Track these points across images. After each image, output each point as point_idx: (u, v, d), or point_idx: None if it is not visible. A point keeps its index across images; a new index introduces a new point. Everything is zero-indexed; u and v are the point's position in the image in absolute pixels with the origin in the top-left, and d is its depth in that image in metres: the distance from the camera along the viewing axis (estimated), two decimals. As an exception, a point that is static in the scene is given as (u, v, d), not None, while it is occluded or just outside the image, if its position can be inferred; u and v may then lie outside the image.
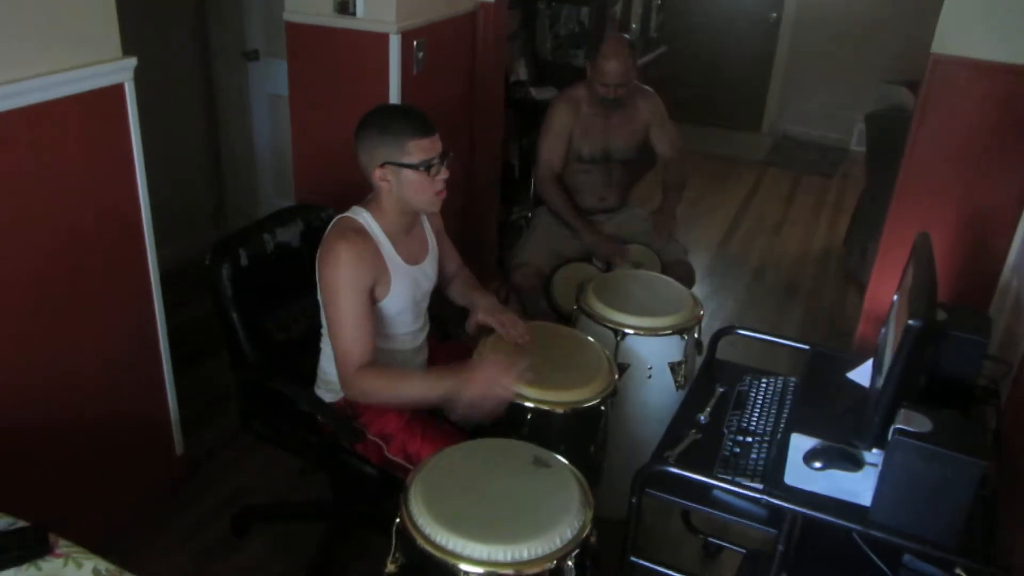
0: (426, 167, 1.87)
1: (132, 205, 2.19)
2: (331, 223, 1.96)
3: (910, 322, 1.42)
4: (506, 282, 3.06)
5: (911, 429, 1.42)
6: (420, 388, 1.88)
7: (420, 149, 1.86)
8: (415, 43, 2.74)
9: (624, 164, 3.11)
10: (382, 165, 1.87)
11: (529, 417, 1.89)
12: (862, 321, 2.91)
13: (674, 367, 2.28)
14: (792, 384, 1.97)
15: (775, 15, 6.19)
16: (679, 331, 2.27)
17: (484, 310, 2.13)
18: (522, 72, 3.91)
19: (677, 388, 2.29)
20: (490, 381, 1.81)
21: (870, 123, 3.91)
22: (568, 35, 4.49)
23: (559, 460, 1.68)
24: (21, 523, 1.42)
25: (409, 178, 1.87)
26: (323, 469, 2.15)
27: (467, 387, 1.81)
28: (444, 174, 1.92)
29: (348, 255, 1.85)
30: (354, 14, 2.64)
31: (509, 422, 1.90)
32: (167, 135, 3.63)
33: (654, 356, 2.26)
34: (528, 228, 3.19)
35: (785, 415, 1.83)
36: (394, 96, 2.72)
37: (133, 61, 2.07)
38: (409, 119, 1.88)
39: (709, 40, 6.40)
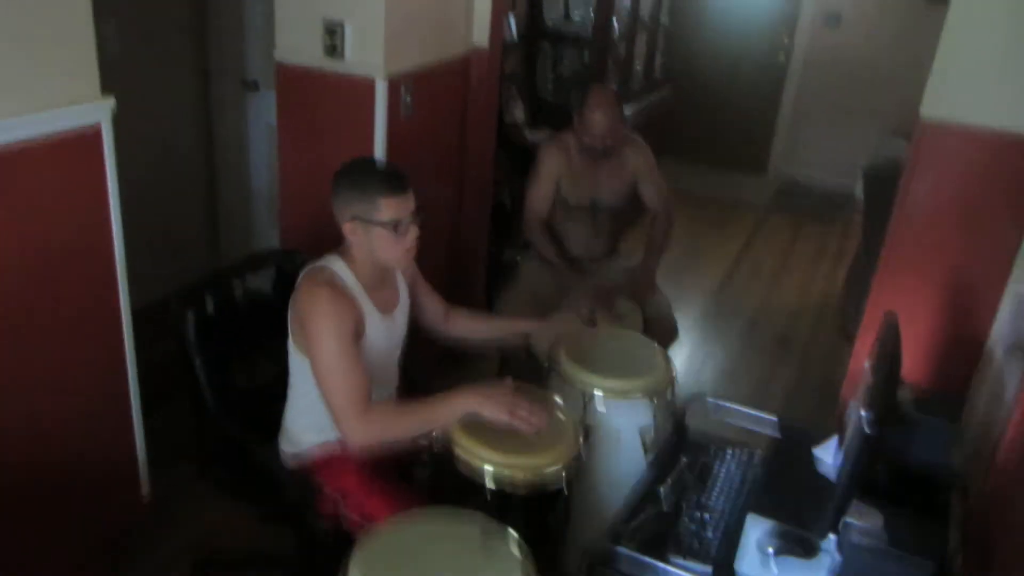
0: (395, 225, 1.85)
1: (105, 246, 2.18)
2: (303, 271, 1.94)
3: (862, 413, 1.38)
4: None
5: (861, 524, 1.38)
6: (436, 411, 1.85)
7: (390, 207, 1.85)
8: (403, 88, 2.74)
9: (612, 214, 3.09)
10: (352, 219, 1.86)
11: (490, 486, 1.84)
12: (845, 384, 2.86)
13: (643, 431, 2.24)
14: (758, 458, 1.92)
15: (783, 57, 6.18)
16: (649, 394, 2.23)
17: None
18: (518, 114, 3.90)
19: (646, 454, 2.25)
20: (505, 399, 1.85)
21: (867, 177, 3.88)
22: (571, 75, 4.49)
23: (509, 540, 1.64)
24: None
25: (378, 235, 1.86)
26: (280, 522, 2.11)
27: (482, 403, 1.84)
28: (414, 232, 1.90)
29: (329, 305, 1.83)
30: (342, 57, 2.64)
31: (463, 487, 1.86)
32: (163, 162, 3.65)
33: (623, 420, 2.22)
34: (513, 276, 3.17)
35: (745, 492, 1.79)
36: (380, 139, 2.72)
37: (111, 101, 2.07)
38: (382, 177, 1.88)
39: (714, 81, 6.39)
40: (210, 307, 2.04)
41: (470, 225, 3.45)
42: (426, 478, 2.00)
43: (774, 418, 2.03)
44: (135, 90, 3.40)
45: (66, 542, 2.28)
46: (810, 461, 1.88)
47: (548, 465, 1.88)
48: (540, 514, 1.95)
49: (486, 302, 3.75)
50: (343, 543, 1.91)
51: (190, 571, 2.39)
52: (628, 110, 4.67)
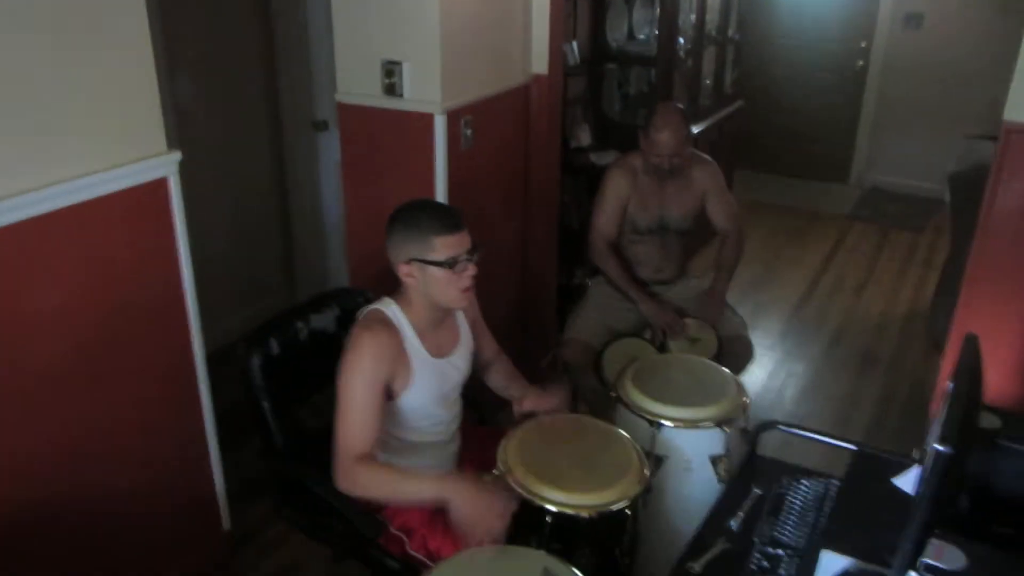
0: (451, 264, 1.85)
1: (176, 291, 2.26)
2: (359, 314, 1.97)
3: (937, 447, 1.30)
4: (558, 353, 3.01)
5: (941, 566, 1.30)
6: (412, 490, 1.83)
7: (446, 246, 1.85)
8: (462, 121, 2.76)
9: (681, 235, 3.03)
10: (408, 261, 1.87)
11: (550, 520, 1.82)
12: (935, 401, 2.71)
13: (715, 460, 2.18)
14: (835, 488, 1.84)
15: (861, 63, 5.98)
16: (720, 422, 2.16)
17: (528, 401, 2.12)
18: (584, 138, 3.88)
19: (720, 482, 2.18)
20: (479, 516, 1.77)
21: (953, 183, 3.70)
22: (637, 95, 4.45)
23: (571, 574, 1.61)
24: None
25: (435, 275, 1.87)
26: (350, 559, 2.13)
27: (458, 505, 1.78)
28: (471, 270, 1.90)
29: (368, 347, 1.85)
30: (401, 95, 2.68)
31: (527, 523, 1.84)
32: (240, 205, 3.78)
33: (693, 449, 2.16)
34: (582, 299, 3.14)
35: (820, 526, 1.71)
36: (440, 172, 2.74)
37: (177, 155, 2.15)
38: (436, 216, 1.88)
39: (791, 91, 6.24)
40: (275, 349, 2.08)
41: (538, 251, 3.44)
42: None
43: (852, 446, 1.93)
44: (209, 137, 3.55)
45: (154, 573, 2.36)
46: (890, 491, 1.78)
47: (613, 502, 1.84)
48: (606, 545, 1.90)
49: (559, 327, 3.73)
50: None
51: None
52: (699, 126, 4.60)
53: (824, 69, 6.11)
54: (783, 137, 6.33)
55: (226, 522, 2.60)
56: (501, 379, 2.26)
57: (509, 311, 3.46)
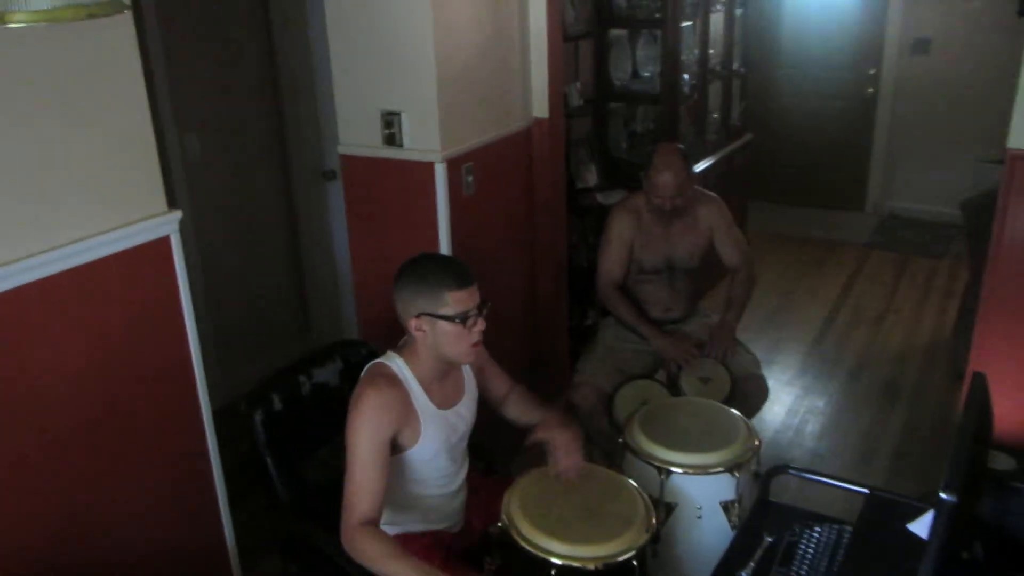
0: (463, 319, 1.84)
1: (181, 347, 2.26)
2: (365, 368, 1.96)
3: (942, 496, 1.26)
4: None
5: (952, 621, 1.25)
6: (398, 571, 1.75)
7: (457, 301, 1.85)
8: (463, 168, 2.77)
9: (689, 273, 3.00)
10: (418, 316, 1.87)
11: (555, 573, 1.78)
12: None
13: (727, 506, 2.13)
14: (847, 535, 1.78)
15: (871, 90, 5.95)
16: (731, 468, 2.12)
17: (544, 427, 2.05)
18: (591, 178, 3.88)
19: (732, 528, 2.13)
20: None
21: (966, 209, 3.65)
22: (644, 132, 4.45)
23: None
24: None
25: (445, 329, 1.86)
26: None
27: None
28: (480, 325, 1.89)
29: (372, 402, 1.84)
30: (401, 145, 2.71)
31: (539, 569, 1.81)
32: (251, 257, 3.80)
33: (703, 496, 2.12)
34: (591, 342, 3.11)
35: (833, 575, 1.66)
36: (443, 220, 2.75)
37: (178, 214, 2.17)
38: (447, 270, 1.88)
39: (802, 121, 6.21)
40: (278, 405, 2.08)
41: (547, 293, 3.43)
42: (496, 567, 1.94)
43: (864, 490, 1.88)
44: (220, 192, 3.60)
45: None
46: (905, 537, 1.73)
47: (618, 554, 1.81)
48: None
49: (571, 369, 3.69)
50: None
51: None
52: (708, 161, 4.59)
53: (834, 97, 6.09)
54: (796, 167, 6.29)
55: (237, 576, 2.58)
56: (519, 409, 2.21)
57: (520, 355, 3.44)
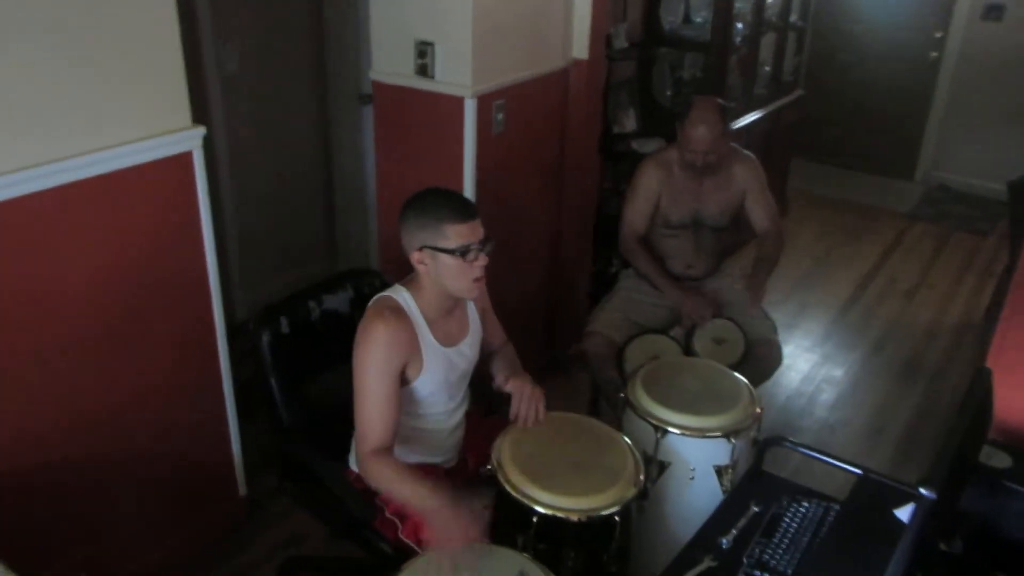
0: (463, 252, 1.84)
1: (199, 262, 2.30)
2: (372, 300, 1.97)
3: (921, 490, 1.24)
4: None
5: (915, 614, 1.25)
6: (413, 496, 1.82)
7: (458, 234, 1.84)
8: (494, 105, 2.72)
9: (716, 231, 2.95)
10: (420, 248, 1.87)
11: (536, 520, 1.81)
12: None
13: (720, 471, 2.13)
14: (834, 513, 1.78)
15: (935, 54, 5.70)
16: (729, 433, 2.11)
17: (512, 377, 2.07)
18: (628, 123, 3.80)
19: (724, 493, 2.14)
20: (450, 535, 1.75)
21: (1013, 191, 3.52)
22: (691, 80, 4.33)
23: (545, 581, 1.60)
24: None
25: (446, 263, 1.86)
26: (346, 539, 2.16)
27: (433, 524, 1.79)
28: (482, 260, 1.88)
29: (382, 336, 1.85)
30: (433, 77, 2.66)
31: (516, 520, 1.84)
32: (282, 175, 3.81)
33: (698, 458, 2.12)
34: (610, 292, 3.09)
35: (811, 553, 1.66)
36: (469, 156, 2.72)
37: (201, 130, 2.18)
38: (449, 204, 1.87)
39: (859, 80, 5.99)
40: (285, 328, 2.11)
41: (571, 238, 3.40)
42: (483, 507, 1.97)
43: (857, 470, 1.87)
44: (255, 106, 3.59)
45: (172, 534, 2.46)
46: (890, 521, 1.72)
47: (602, 508, 1.83)
48: (594, 550, 1.89)
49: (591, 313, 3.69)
50: (401, 563, 1.95)
51: (278, 570, 2.48)
52: (753, 115, 4.46)
53: (895, 59, 5.85)
54: (846, 128, 6.10)
55: (242, 488, 2.66)
56: (502, 363, 2.21)
57: (539, 296, 3.44)
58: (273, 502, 2.74)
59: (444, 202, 1.88)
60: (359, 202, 4.06)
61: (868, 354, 3.86)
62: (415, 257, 1.89)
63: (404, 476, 1.85)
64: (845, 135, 6.11)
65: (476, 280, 1.90)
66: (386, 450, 1.87)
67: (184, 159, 2.17)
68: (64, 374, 2.05)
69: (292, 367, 2.13)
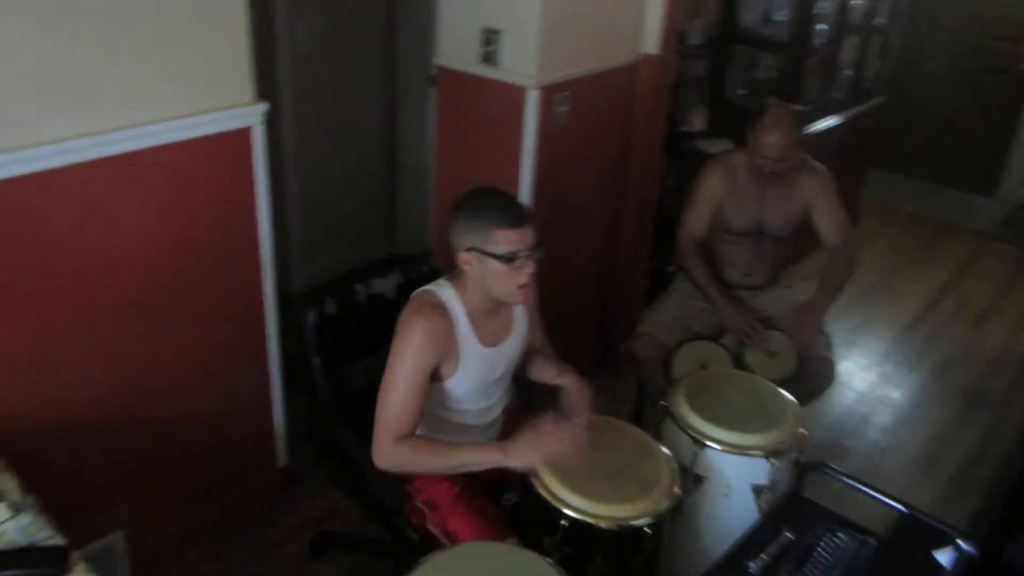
0: (510, 259, 1.82)
1: (253, 236, 2.33)
2: (415, 292, 1.96)
3: (960, 543, 1.18)
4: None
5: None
6: (462, 458, 1.85)
7: (507, 240, 1.81)
8: (557, 97, 2.69)
9: (777, 241, 2.87)
10: (468, 249, 1.85)
11: (565, 524, 1.79)
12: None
13: (758, 490, 2.08)
14: (871, 548, 1.72)
15: (1031, 67, 5.43)
16: (769, 453, 2.06)
17: (557, 370, 2.09)
18: (697, 122, 3.71)
19: (759, 513, 2.08)
20: (541, 452, 1.80)
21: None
22: (765, 81, 4.21)
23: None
24: (57, 541, 1.54)
25: (493, 267, 1.83)
26: (375, 522, 2.17)
27: (515, 459, 1.81)
28: (529, 268, 1.85)
29: (419, 333, 1.84)
30: (498, 65, 2.64)
31: (546, 522, 1.82)
32: (347, 153, 3.84)
33: (735, 475, 2.07)
34: (664, 293, 3.04)
35: (843, 588, 1.60)
36: (529, 148, 2.69)
37: (263, 106, 2.20)
38: (501, 208, 1.83)
39: (946, 90, 5.73)
40: (331, 308, 2.12)
41: (629, 235, 3.35)
42: (512, 505, 1.97)
43: (900, 506, 1.80)
44: (324, 83, 3.62)
45: (210, 499, 2.52)
46: (928, 564, 1.66)
47: (633, 517, 1.80)
48: (623, 558, 1.86)
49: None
50: (428, 552, 1.95)
51: (309, 543, 2.52)
52: (828, 120, 4.32)
53: (987, 69, 5.58)
54: (928, 139, 5.85)
55: (282, 459, 2.71)
56: (541, 363, 2.18)
57: (592, 292, 3.41)
58: (311, 475, 2.77)
59: (495, 205, 1.84)
60: (420, 183, 4.07)
61: (929, 378, 3.72)
62: (462, 257, 1.87)
63: (443, 448, 1.87)
64: (926, 146, 5.87)
65: (522, 287, 1.87)
66: (408, 436, 1.86)
67: (244, 134, 2.19)
68: (118, 336, 2.11)
69: (335, 348, 2.15)
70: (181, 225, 2.14)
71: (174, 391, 2.29)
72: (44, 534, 1.53)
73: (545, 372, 2.12)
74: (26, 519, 1.54)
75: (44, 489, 1.65)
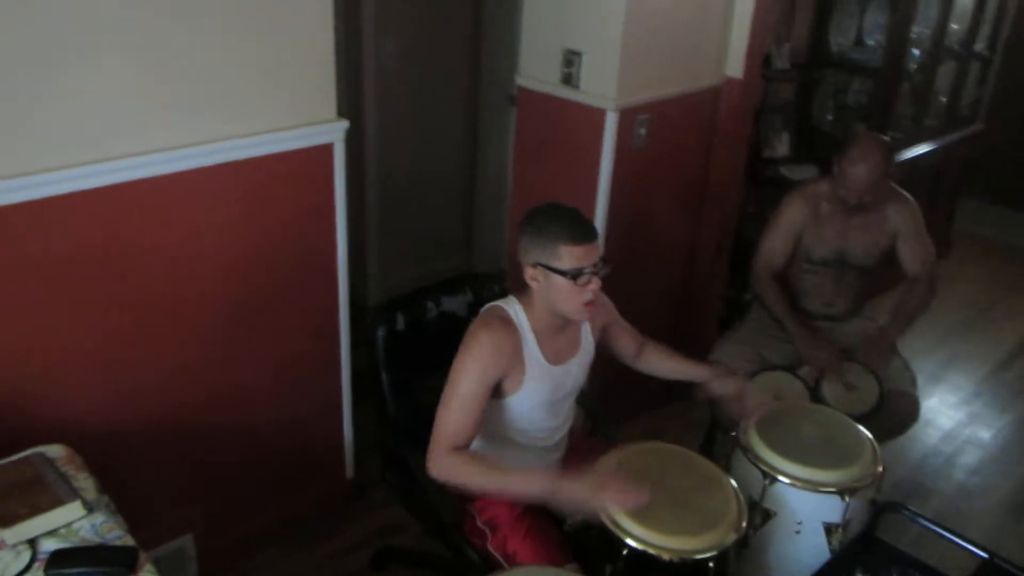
0: (575, 275, 1.81)
1: (330, 250, 2.38)
2: (484, 308, 1.97)
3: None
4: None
5: None
6: (511, 482, 1.84)
7: (572, 256, 1.80)
8: (637, 120, 2.67)
9: (860, 271, 2.77)
10: (534, 265, 1.85)
11: (626, 553, 1.76)
12: None
13: (829, 529, 2.00)
14: (950, 597, 1.63)
15: None
16: (843, 490, 1.98)
17: (713, 380, 2.16)
18: (781, 148, 3.63)
19: (831, 553, 2.00)
20: (594, 502, 1.76)
21: None
22: (855, 106, 4.09)
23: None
24: (127, 541, 1.59)
25: (557, 283, 1.83)
26: (436, 538, 2.17)
27: (565, 501, 1.79)
28: (595, 284, 1.84)
29: (485, 344, 1.85)
30: (577, 87, 2.64)
31: (608, 550, 1.79)
32: (428, 167, 3.90)
33: (806, 512, 1.99)
34: (739, 321, 2.97)
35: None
36: (606, 170, 2.68)
37: (345, 123, 2.25)
38: (567, 224, 1.83)
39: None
40: (401, 325, 2.14)
41: (706, 261, 3.29)
42: (575, 529, 1.94)
43: (982, 553, 1.70)
44: (409, 98, 3.68)
45: (277, 507, 2.58)
46: (1013, 618, 1.56)
47: (696, 551, 1.75)
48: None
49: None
50: (487, 572, 1.95)
51: (371, 556, 2.54)
52: (920, 148, 4.17)
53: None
54: (1028, 168, 5.59)
55: (350, 471, 2.75)
56: (659, 359, 2.23)
57: (666, 317, 3.35)
58: (378, 488, 2.79)
59: (562, 221, 1.84)
60: (498, 202, 4.10)
61: (1022, 419, 3.53)
62: (528, 273, 1.87)
63: (493, 469, 1.87)
64: (1022, 175, 5.61)
65: (587, 303, 1.86)
66: (464, 448, 1.86)
67: (325, 150, 2.24)
68: (194, 344, 2.18)
69: (404, 364, 2.17)
70: (261, 237, 2.20)
71: (248, 399, 2.36)
72: (115, 534, 1.58)
73: (686, 369, 2.22)
74: (99, 518, 1.59)
75: (118, 489, 1.71)
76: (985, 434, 3.41)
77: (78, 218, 1.87)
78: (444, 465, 1.86)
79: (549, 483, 1.81)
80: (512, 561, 1.90)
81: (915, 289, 2.74)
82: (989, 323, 4.30)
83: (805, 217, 2.71)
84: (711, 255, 3.28)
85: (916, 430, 3.03)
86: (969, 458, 3.25)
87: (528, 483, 1.84)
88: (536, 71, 2.76)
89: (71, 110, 1.78)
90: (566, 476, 1.83)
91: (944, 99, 4.36)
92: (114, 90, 1.83)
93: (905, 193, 2.74)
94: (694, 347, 3.38)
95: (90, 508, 1.61)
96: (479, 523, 1.99)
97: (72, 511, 1.58)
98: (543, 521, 1.97)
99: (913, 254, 2.72)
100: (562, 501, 1.80)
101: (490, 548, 1.95)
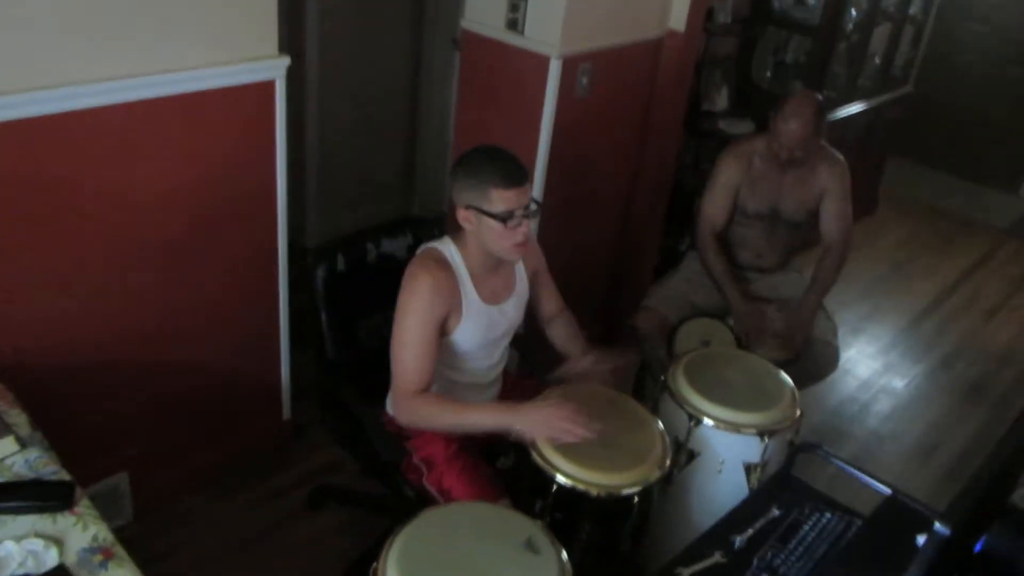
0: (505, 218, 1.84)
1: (269, 187, 2.36)
2: (419, 249, 2.00)
3: (936, 526, 1.21)
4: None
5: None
6: (474, 418, 1.92)
7: (503, 199, 1.84)
8: (580, 68, 2.69)
9: (791, 225, 2.87)
10: (466, 207, 1.88)
11: (555, 489, 1.83)
12: None
13: (749, 468, 2.11)
14: (855, 529, 1.75)
15: (1065, 64, 5.35)
16: (764, 432, 2.09)
17: (588, 361, 2.12)
18: (720, 101, 3.70)
19: (750, 491, 2.12)
20: (548, 426, 1.84)
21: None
22: (793, 63, 4.17)
23: (553, 550, 1.62)
24: (63, 476, 1.59)
25: (489, 225, 1.86)
26: (374, 477, 2.22)
27: (523, 425, 1.86)
28: (525, 227, 1.88)
29: (426, 285, 1.88)
30: (522, 33, 2.64)
31: (536, 486, 1.86)
32: (368, 109, 3.85)
33: (728, 452, 2.10)
34: (673, 269, 3.05)
35: (822, 566, 1.64)
36: (548, 117, 2.70)
37: (286, 60, 2.21)
38: (499, 167, 1.86)
39: (975, 83, 5.67)
40: (341, 266, 2.15)
41: (643, 210, 3.36)
42: (508, 467, 2.01)
43: (887, 490, 1.83)
44: (351, 38, 3.62)
45: (213, 447, 2.59)
46: (909, 547, 1.69)
47: (623, 487, 1.83)
48: (611, 526, 1.90)
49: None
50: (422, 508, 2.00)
51: (308, 496, 2.58)
52: (853, 107, 4.29)
53: (1018, 65, 5.52)
54: (954, 132, 5.80)
55: (286, 412, 2.76)
56: (561, 336, 2.25)
57: (603, 264, 3.42)
58: (315, 430, 2.83)
59: (493, 165, 1.86)
60: (441, 145, 4.08)
61: (934, 369, 3.73)
62: (461, 215, 1.90)
63: (461, 404, 1.95)
64: (952, 139, 5.82)
65: (518, 244, 1.90)
66: (427, 390, 1.91)
67: (266, 87, 2.21)
68: (131, 275, 2.15)
69: (343, 305, 2.18)
70: (201, 172, 2.17)
71: (184, 334, 2.34)
72: (50, 469, 1.57)
73: (572, 345, 2.17)
74: (33, 453, 1.58)
75: (52, 426, 1.70)
76: (899, 383, 3.60)
77: (12, 147, 1.81)
78: (411, 409, 1.92)
79: (511, 413, 1.88)
80: (447, 496, 1.96)
81: (829, 255, 2.83)
82: (908, 279, 4.50)
83: (741, 174, 2.78)
84: (649, 205, 3.35)
85: (835, 377, 3.19)
86: (883, 405, 3.44)
87: (492, 414, 1.93)
88: (481, 15, 2.75)
89: (7, 38, 1.72)
90: (524, 405, 1.89)
91: (878, 60, 4.47)
92: (53, 19, 1.76)
93: (838, 155, 2.83)
94: (630, 293, 3.48)
95: (23, 443, 1.59)
96: (415, 460, 2.04)
97: (5, 446, 1.57)
98: (476, 459, 2.03)
99: (833, 217, 2.80)
100: (522, 427, 1.87)
101: (426, 484, 2.01)
